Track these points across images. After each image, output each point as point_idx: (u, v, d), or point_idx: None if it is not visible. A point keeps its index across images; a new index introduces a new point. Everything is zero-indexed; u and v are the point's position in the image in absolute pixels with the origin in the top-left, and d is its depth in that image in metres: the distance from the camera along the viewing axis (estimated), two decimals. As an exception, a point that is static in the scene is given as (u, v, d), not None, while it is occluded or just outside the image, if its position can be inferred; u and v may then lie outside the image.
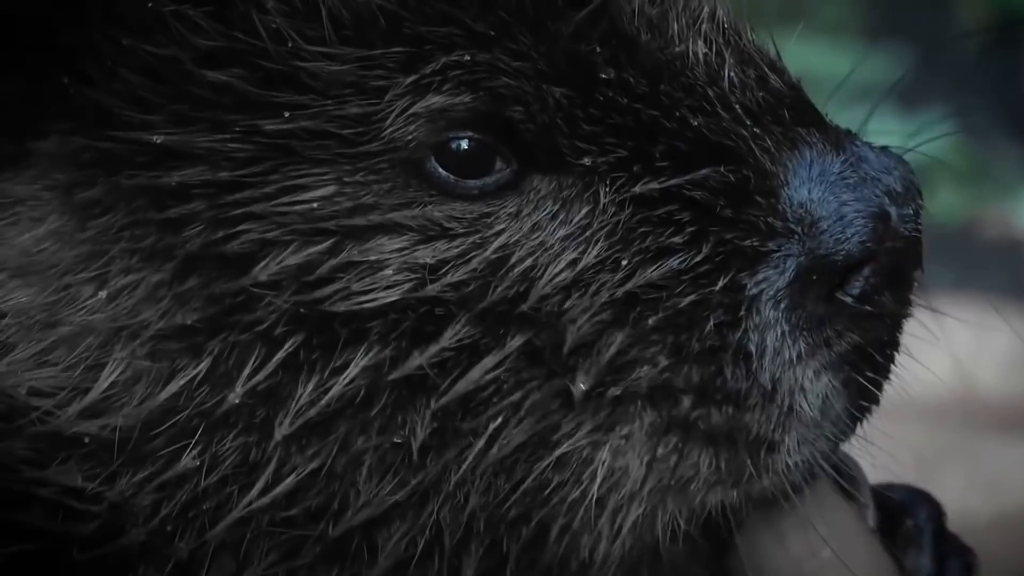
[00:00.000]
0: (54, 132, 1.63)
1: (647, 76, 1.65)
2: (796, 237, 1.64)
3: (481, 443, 1.62)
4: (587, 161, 1.64)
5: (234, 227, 1.61)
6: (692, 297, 1.63)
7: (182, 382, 1.60)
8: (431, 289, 1.61)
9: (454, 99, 1.62)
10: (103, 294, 1.62)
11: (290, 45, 1.61)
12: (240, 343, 1.61)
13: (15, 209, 1.63)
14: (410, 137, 1.62)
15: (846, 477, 1.76)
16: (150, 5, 1.60)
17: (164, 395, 1.60)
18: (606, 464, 1.63)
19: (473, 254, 1.62)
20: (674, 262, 1.63)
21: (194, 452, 1.61)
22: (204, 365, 1.60)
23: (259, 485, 1.61)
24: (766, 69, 1.70)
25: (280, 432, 1.61)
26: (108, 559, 1.63)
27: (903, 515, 1.80)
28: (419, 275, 1.61)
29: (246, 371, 1.60)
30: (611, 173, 1.64)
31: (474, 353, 1.61)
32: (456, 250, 1.62)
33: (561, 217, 1.65)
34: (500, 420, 1.62)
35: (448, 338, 1.61)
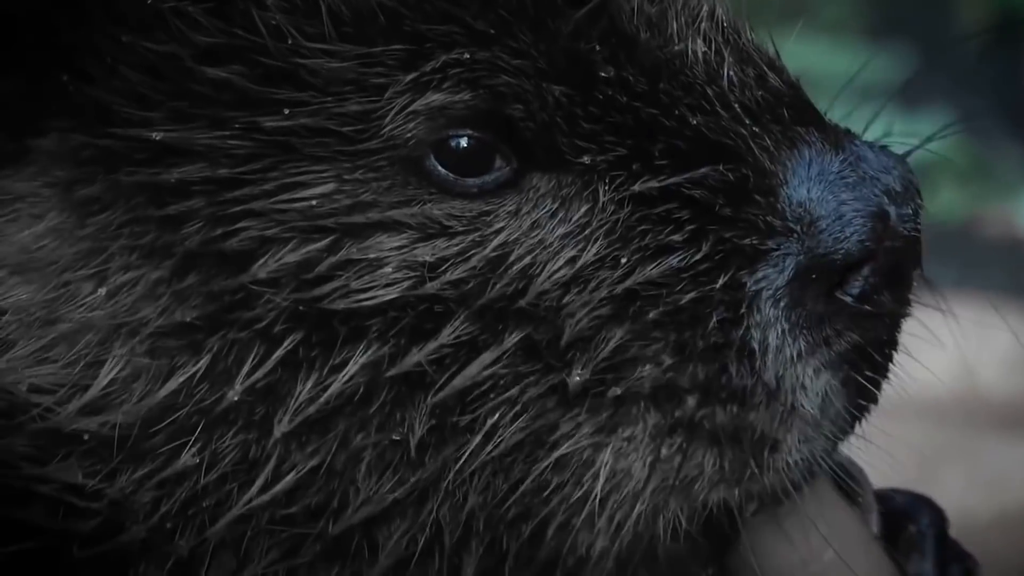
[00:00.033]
0: (54, 129, 1.63)
1: (646, 75, 1.65)
2: (795, 236, 1.64)
3: (478, 439, 1.62)
4: (586, 159, 1.64)
5: (233, 224, 1.61)
6: (693, 294, 1.63)
7: (181, 379, 1.60)
8: (430, 287, 1.61)
9: (454, 97, 1.62)
10: (102, 291, 1.62)
11: (290, 42, 1.61)
12: (239, 340, 1.61)
13: (15, 206, 1.63)
14: (409, 135, 1.62)
15: (850, 482, 1.76)
16: (149, 2, 1.60)
17: (163, 392, 1.60)
18: (608, 466, 1.63)
19: (472, 252, 1.62)
20: (674, 260, 1.63)
21: (194, 449, 1.61)
22: (203, 362, 1.60)
23: (259, 482, 1.61)
24: (765, 68, 1.70)
25: (279, 429, 1.61)
26: (109, 556, 1.63)
27: (905, 520, 1.80)
28: (418, 273, 1.61)
29: (245, 368, 1.60)
30: (610, 171, 1.64)
31: (472, 349, 1.61)
32: (455, 248, 1.62)
33: (560, 215, 1.64)
34: (497, 416, 1.62)
35: (447, 335, 1.61)
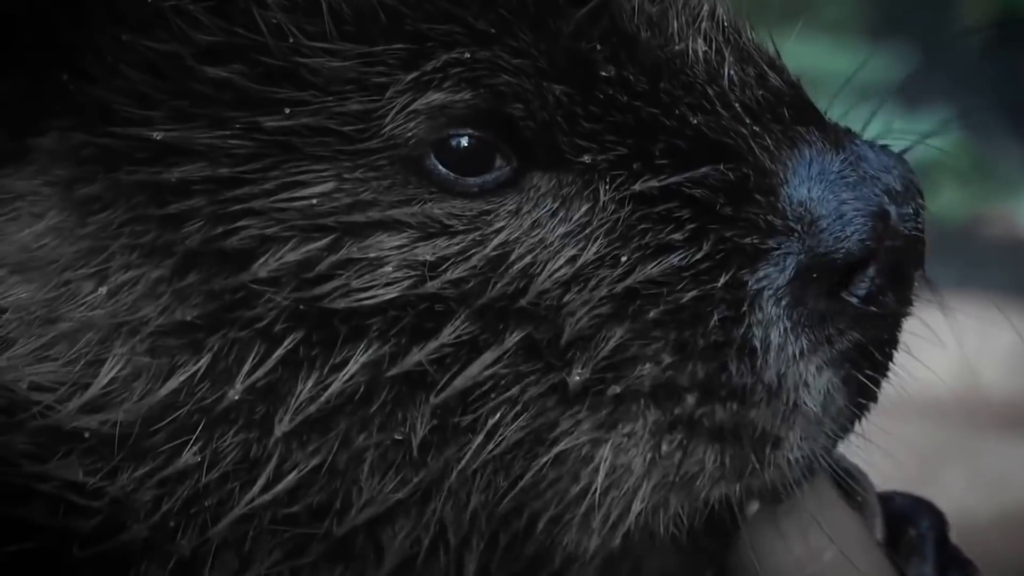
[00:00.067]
0: (54, 128, 1.63)
1: (647, 74, 1.65)
2: (796, 235, 1.64)
3: (480, 439, 1.61)
4: (587, 159, 1.64)
5: (234, 223, 1.60)
6: (694, 293, 1.63)
7: (182, 378, 1.60)
8: (431, 286, 1.61)
9: (454, 96, 1.62)
10: (103, 290, 1.61)
11: (291, 41, 1.61)
12: (240, 339, 1.60)
13: (15, 205, 1.63)
14: (410, 134, 1.62)
15: (851, 483, 1.76)
16: (150, 1, 1.60)
17: (164, 390, 1.60)
18: (607, 462, 1.63)
19: (473, 251, 1.62)
20: (674, 259, 1.63)
21: (195, 448, 1.61)
22: (204, 361, 1.60)
23: (261, 481, 1.61)
24: (765, 67, 1.70)
25: (280, 428, 1.60)
26: (109, 555, 1.62)
27: (906, 524, 1.80)
28: (419, 272, 1.61)
29: (246, 367, 1.60)
30: (611, 171, 1.64)
31: (473, 349, 1.61)
32: (456, 247, 1.62)
33: (561, 214, 1.64)
34: (498, 415, 1.62)
35: (448, 335, 1.61)
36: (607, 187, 1.64)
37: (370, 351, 1.60)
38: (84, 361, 1.61)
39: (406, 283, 1.61)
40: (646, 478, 1.64)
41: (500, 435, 1.62)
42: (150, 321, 1.61)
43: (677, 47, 1.67)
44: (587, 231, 1.64)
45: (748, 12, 1.75)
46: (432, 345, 1.60)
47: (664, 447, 1.64)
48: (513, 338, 1.61)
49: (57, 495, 1.61)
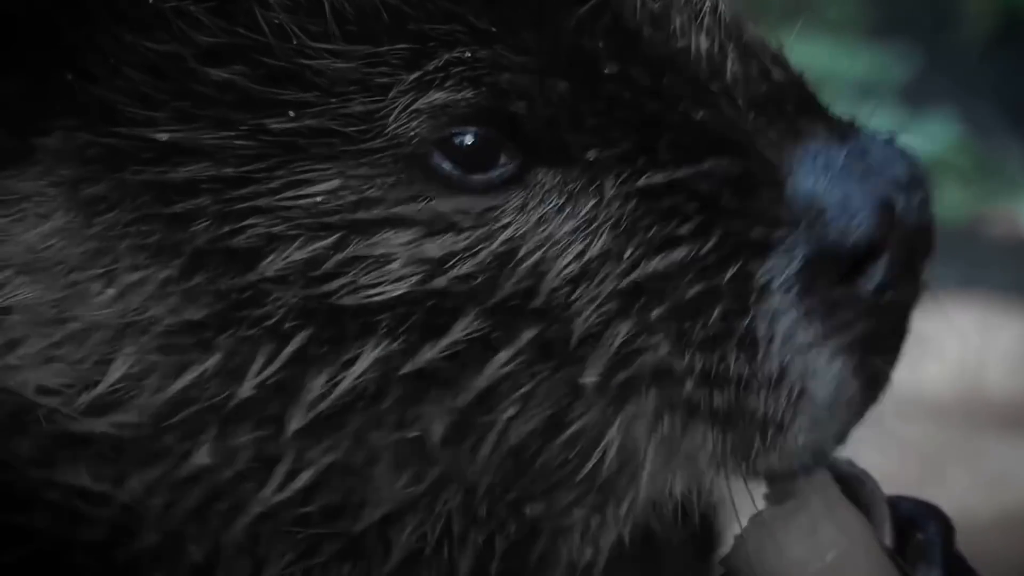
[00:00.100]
0: (59, 128, 1.62)
1: (650, 70, 1.65)
2: (802, 227, 1.64)
3: (495, 436, 1.62)
4: (591, 155, 1.64)
5: (240, 222, 1.60)
6: (700, 287, 1.63)
7: (193, 376, 1.60)
8: (439, 282, 1.61)
9: (456, 95, 1.62)
10: (111, 291, 1.61)
11: (294, 42, 1.61)
12: (249, 338, 1.60)
13: (20, 205, 1.63)
14: (413, 133, 1.62)
15: (859, 490, 1.76)
16: (151, 2, 1.60)
17: (176, 387, 1.60)
18: (617, 441, 1.63)
19: (480, 247, 1.62)
20: (680, 253, 1.63)
21: (207, 448, 1.60)
22: (214, 359, 1.60)
23: (276, 480, 1.61)
24: (768, 62, 1.70)
25: (293, 425, 1.60)
26: (119, 565, 1.62)
27: (913, 528, 1.79)
28: (426, 268, 1.61)
29: (256, 365, 1.60)
30: (616, 166, 1.64)
31: (487, 347, 1.61)
32: (463, 243, 1.62)
33: (567, 210, 1.64)
34: (513, 411, 1.62)
35: (459, 331, 1.61)
36: (612, 183, 1.64)
37: (380, 348, 1.60)
38: (93, 360, 1.61)
39: (414, 279, 1.61)
40: (651, 455, 1.64)
41: (513, 430, 1.62)
42: (159, 321, 1.60)
43: (680, 43, 1.67)
44: (593, 227, 1.64)
45: (749, 12, 1.76)
46: (444, 342, 1.60)
47: (666, 426, 1.64)
48: (526, 336, 1.61)
49: (63, 502, 1.61)
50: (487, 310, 1.61)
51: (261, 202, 1.60)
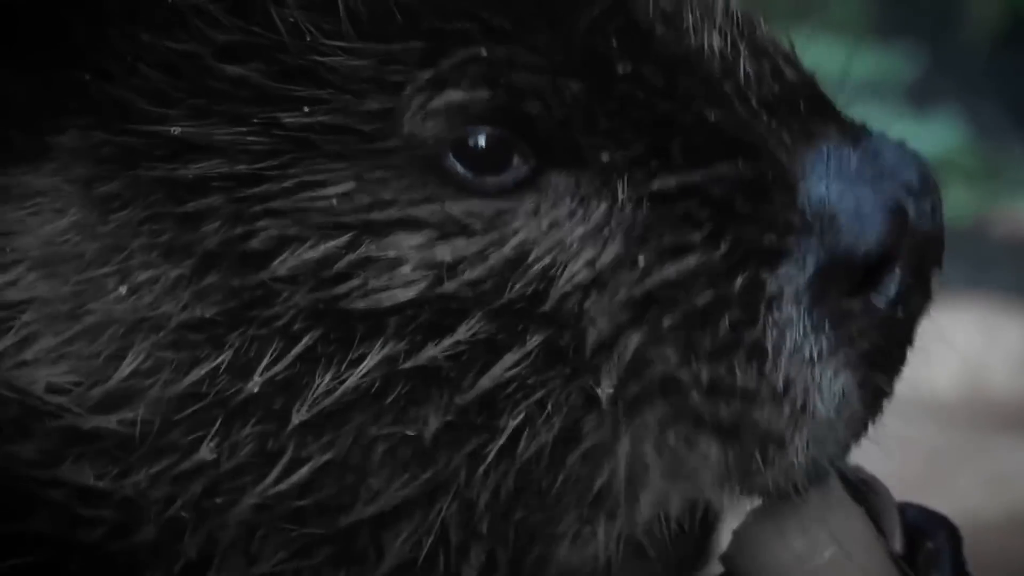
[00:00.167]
0: (73, 126, 1.63)
1: (663, 70, 1.65)
2: (815, 233, 1.63)
3: (502, 440, 1.61)
4: (605, 157, 1.64)
5: (252, 222, 1.60)
6: (710, 295, 1.62)
7: (204, 371, 1.60)
8: (449, 286, 1.61)
9: (471, 94, 1.62)
10: (124, 288, 1.61)
11: (308, 39, 1.61)
12: (259, 337, 1.60)
13: (35, 200, 1.63)
14: (428, 133, 1.62)
15: (866, 492, 1.75)
16: (170, 1, 1.61)
17: (184, 384, 1.60)
18: (627, 454, 1.62)
19: (491, 251, 1.61)
20: (692, 260, 1.62)
21: (213, 442, 1.60)
22: (224, 356, 1.60)
23: (274, 474, 1.61)
24: (780, 62, 1.70)
25: (296, 419, 1.60)
26: (116, 562, 1.62)
27: (922, 536, 1.78)
28: (437, 272, 1.61)
29: (264, 363, 1.60)
30: (629, 169, 1.64)
31: (491, 350, 1.61)
32: (474, 248, 1.62)
33: (579, 214, 1.64)
34: (522, 418, 1.61)
35: (463, 332, 1.60)
36: (625, 186, 1.63)
37: (387, 348, 1.60)
38: (105, 356, 1.61)
39: (424, 283, 1.61)
40: (655, 467, 1.64)
41: (527, 437, 1.61)
42: (171, 317, 1.60)
43: (693, 42, 1.67)
44: (605, 232, 1.63)
45: (756, 11, 1.75)
46: (447, 342, 1.60)
47: (671, 439, 1.64)
48: (534, 341, 1.60)
49: (64, 502, 1.61)
50: (494, 312, 1.61)
51: (274, 202, 1.60)
